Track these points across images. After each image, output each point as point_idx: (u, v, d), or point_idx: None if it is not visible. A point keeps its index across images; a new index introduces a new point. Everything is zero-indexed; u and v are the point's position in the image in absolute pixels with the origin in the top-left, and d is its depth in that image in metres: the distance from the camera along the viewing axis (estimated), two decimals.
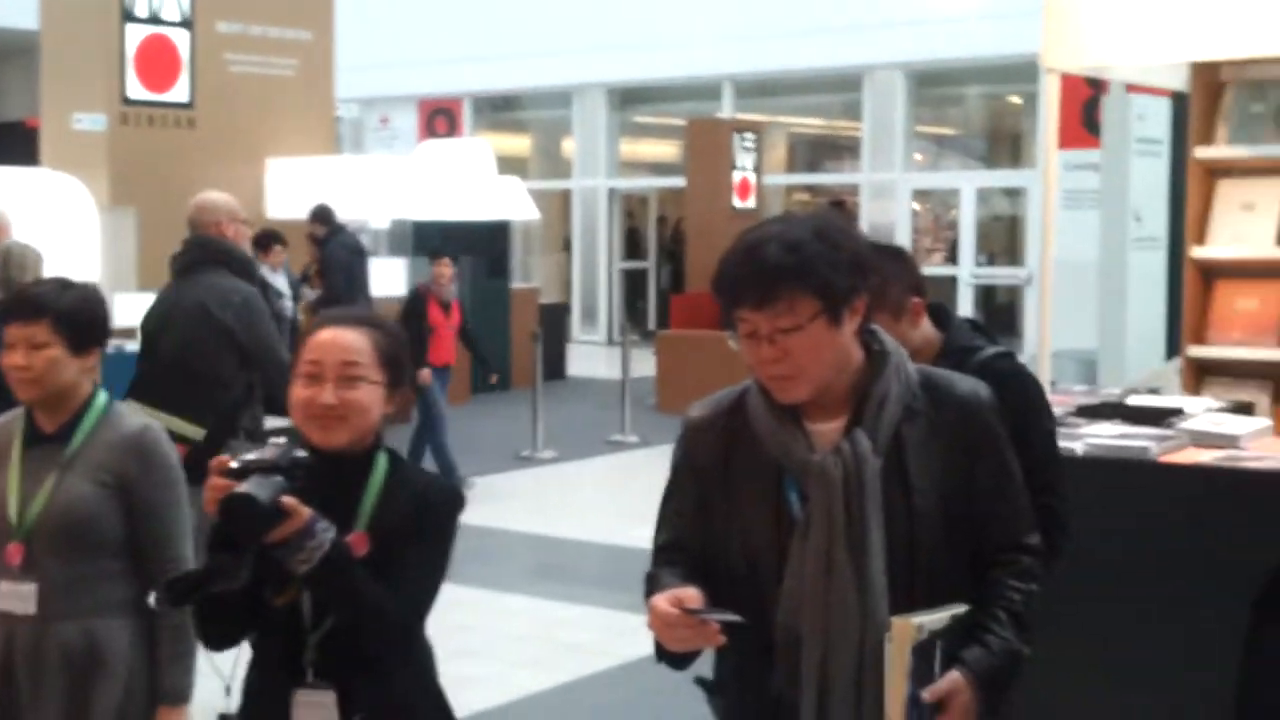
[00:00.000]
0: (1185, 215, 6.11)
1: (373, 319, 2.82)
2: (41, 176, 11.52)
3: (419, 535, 2.71)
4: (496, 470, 10.31)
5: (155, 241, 9.64)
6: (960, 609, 2.43)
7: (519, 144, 23.99)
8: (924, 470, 2.47)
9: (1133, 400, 5.39)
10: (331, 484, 2.62)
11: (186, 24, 12.74)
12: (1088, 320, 9.53)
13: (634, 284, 22.76)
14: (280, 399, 5.12)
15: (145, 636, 3.27)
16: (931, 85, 19.71)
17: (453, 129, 22.69)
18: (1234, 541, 4.39)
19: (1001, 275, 18.68)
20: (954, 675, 2.41)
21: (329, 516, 2.56)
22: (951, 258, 18.85)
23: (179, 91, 12.73)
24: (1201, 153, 5.93)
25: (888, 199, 19.24)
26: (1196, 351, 6.02)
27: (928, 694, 2.37)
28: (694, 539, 2.58)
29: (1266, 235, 5.82)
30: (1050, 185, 6.14)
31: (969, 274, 18.36)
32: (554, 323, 16.49)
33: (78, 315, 3.28)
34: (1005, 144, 20.60)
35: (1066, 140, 13.15)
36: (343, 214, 12.30)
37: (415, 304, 10.12)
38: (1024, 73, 15.27)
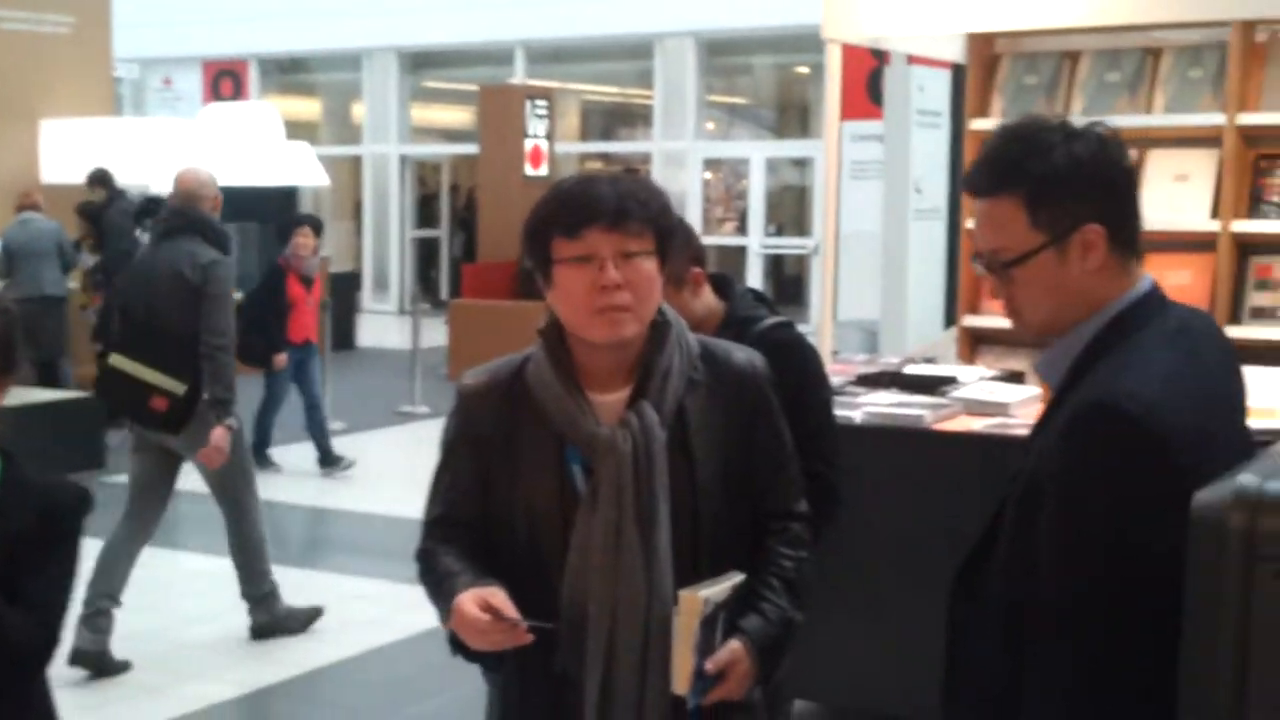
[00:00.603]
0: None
1: None
2: None
3: (46, 543, 2.53)
4: (282, 442, 10.10)
5: None
6: (739, 578, 2.43)
7: (308, 108, 23.52)
8: (706, 442, 2.47)
9: (910, 369, 5.50)
10: None
11: None
12: (874, 290, 9.70)
13: (426, 252, 22.52)
14: (207, 353, 5.69)
15: None
16: (722, 54, 19.87)
17: (239, 92, 22.14)
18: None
19: (790, 245, 18.94)
20: (734, 645, 2.42)
21: None
22: (742, 228, 19.05)
23: None
24: (978, 124, 6.05)
25: (679, 168, 19.35)
26: (971, 321, 6.16)
27: (710, 665, 2.37)
28: (470, 512, 2.52)
29: None
30: (831, 156, 6.22)
31: (759, 244, 18.59)
32: (344, 292, 16.22)
33: None
34: (794, 114, 20.89)
35: (852, 111, 13.36)
36: (122, 179, 11.87)
37: (272, 278, 9.68)
38: (811, 43, 15.45)
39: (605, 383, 2.46)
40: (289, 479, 9.46)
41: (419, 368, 12.30)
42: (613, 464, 2.40)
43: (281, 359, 9.35)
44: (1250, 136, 5.53)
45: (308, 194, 19.62)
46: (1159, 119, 5.70)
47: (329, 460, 9.60)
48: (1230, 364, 2.15)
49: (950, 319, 6.74)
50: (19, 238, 11.13)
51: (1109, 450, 1.78)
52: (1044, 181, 2.09)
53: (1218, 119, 5.49)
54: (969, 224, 6.10)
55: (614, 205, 2.36)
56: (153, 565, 6.40)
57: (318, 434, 9.57)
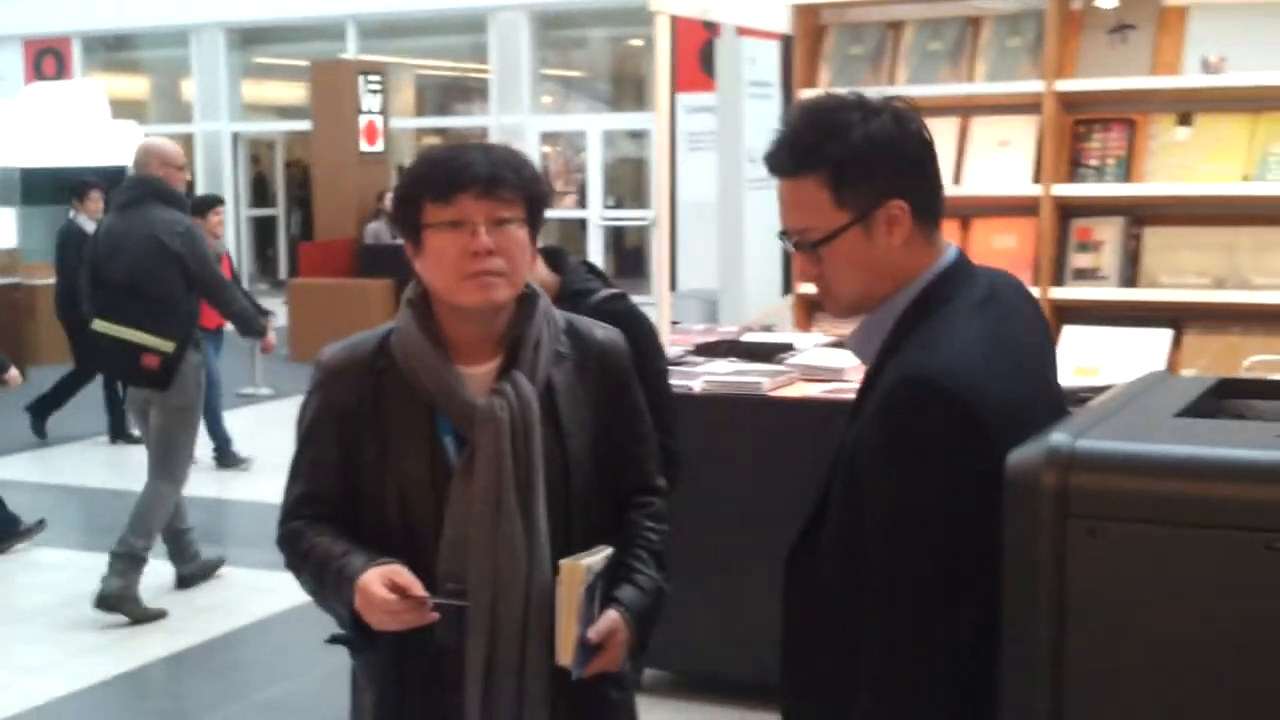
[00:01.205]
0: None
1: None
2: None
3: None
4: (121, 430, 9.89)
5: None
6: (609, 550, 2.45)
7: (135, 86, 22.90)
8: (574, 415, 2.48)
9: (747, 338, 5.57)
10: None
11: None
12: (713, 261, 9.77)
13: (263, 231, 22.12)
14: (230, 311, 6.56)
15: None
16: (556, 27, 19.79)
17: (62, 70, 21.48)
18: None
19: (630, 217, 18.99)
20: (612, 614, 2.44)
21: None
22: (581, 201, 19.04)
23: None
24: (807, 95, 6.13)
25: (517, 141, 19.24)
26: (806, 289, 6.25)
27: (593, 634, 2.40)
28: (335, 490, 2.49)
29: None
30: (661, 128, 6.27)
31: (599, 216, 18.60)
32: None
33: None
34: (630, 87, 20.89)
35: (686, 83, 13.44)
36: None
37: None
38: (644, 15, 15.49)
39: (472, 355, 2.46)
40: (126, 466, 9.25)
41: (259, 349, 12.12)
42: (491, 432, 2.39)
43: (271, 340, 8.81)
44: (1068, 102, 5.69)
45: None
46: (981, 87, 5.83)
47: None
48: (1040, 326, 2.20)
49: (788, 287, 6.82)
50: None
51: (923, 423, 1.82)
52: (845, 161, 2.08)
53: (1037, 86, 5.64)
54: None
55: (487, 172, 2.37)
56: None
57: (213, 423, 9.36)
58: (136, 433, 9.35)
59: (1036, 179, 5.70)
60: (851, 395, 4.62)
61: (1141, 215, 5.66)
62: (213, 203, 9.68)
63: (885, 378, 2.01)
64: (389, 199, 14.20)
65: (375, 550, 2.41)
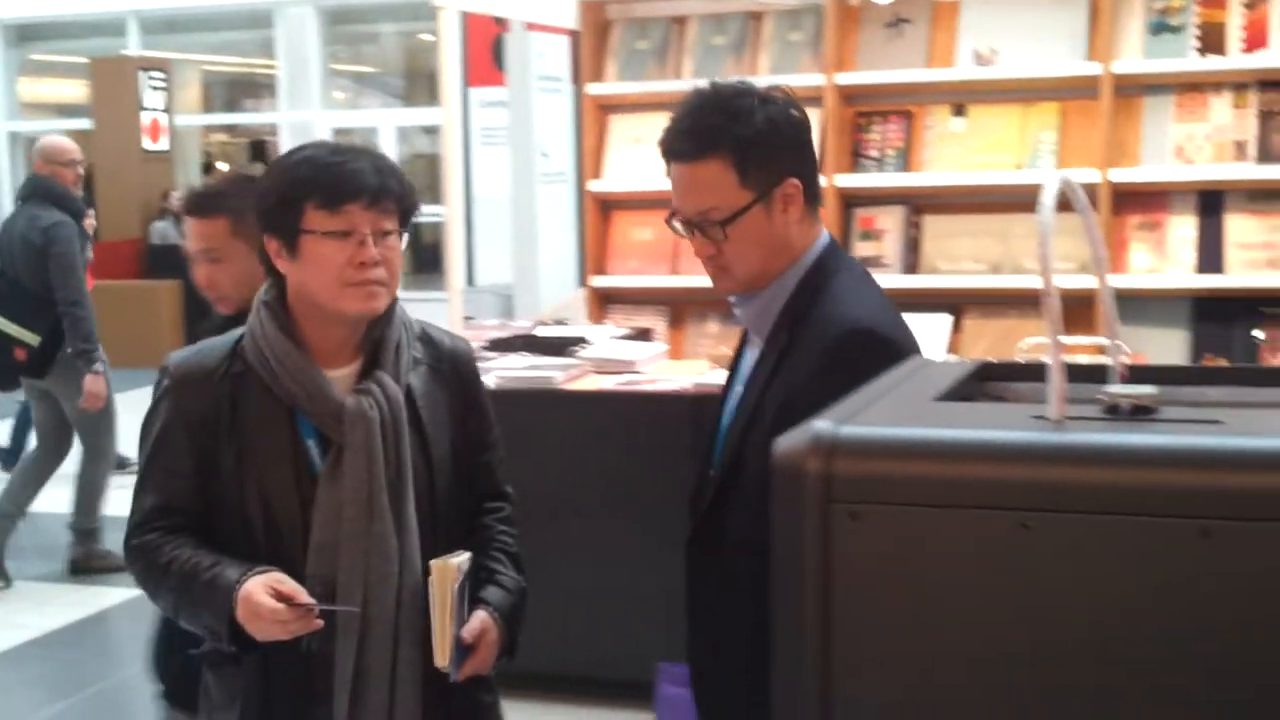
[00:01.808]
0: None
1: None
2: None
3: None
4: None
5: None
6: (468, 554, 2.44)
7: None
8: (434, 418, 2.47)
9: (540, 332, 5.57)
10: None
11: None
12: (509, 256, 9.75)
13: None
14: (66, 312, 6.41)
15: None
16: (345, 22, 19.53)
17: None
18: (634, 459, 4.63)
19: (426, 213, 18.80)
20: (481, 615, 2.44)
21: None
22: None
23: None
24: (594, 89, 6.17)
25: (308, 138, 18.92)
26: (599, 281, 6.29)
27: (466, 634, 2.39)
28: (189, 500, 2.42)
29: (656, 168, 6.12)
30: (451, 123, 6.23)
31: None
32: None
33: None
34: (423, 82, 20.71)
35: (479, 78, 13.38)
36: None
37: None
38: (434, 10, 15.38)
39: (332, 359, 2.43)
40: None
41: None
42: (362, 431, 2.37)
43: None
44: (848, 95, 5.82)
45: None
46: (764, 80, 5.90)
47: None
48: None
49: (582, 280, 6.85)
50: None
51: (872, 367, 1.86)
52: (750, 143, 2.22)
53: (818, 79, 5.75)
54: (591, 186, 6.22)
55: (375, 183, 2.34)
56: None
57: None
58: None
59: (820, 170, 5.79)
60: (645, 386, 4.69)
61: (921, 204, 5.81)
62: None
63: (810, 339, 2.07)
64: (175, 198, 13.97)
65: (240, 559, 2.35)
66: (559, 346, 5.24)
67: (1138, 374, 1.65)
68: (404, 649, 2.39)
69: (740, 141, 2.22)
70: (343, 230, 2.33)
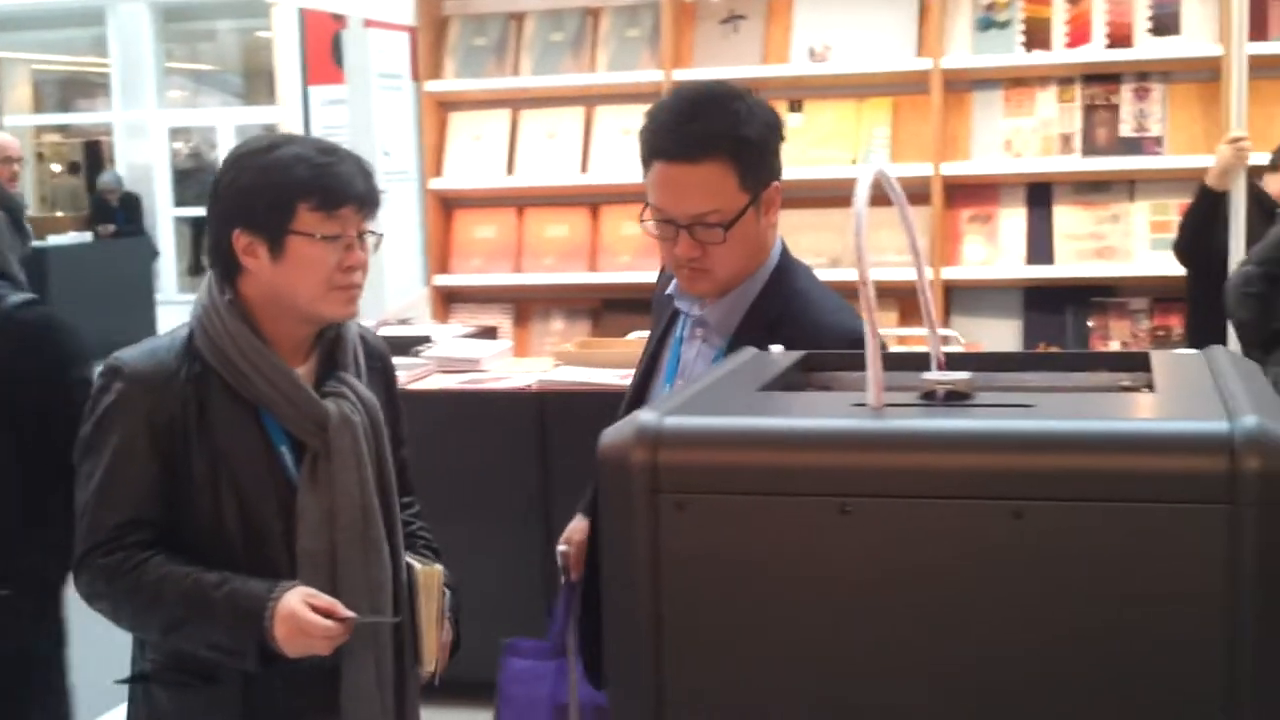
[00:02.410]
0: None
1: None
2: None
3: None
4: None
5: None
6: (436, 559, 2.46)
7: None
8: (384, 417, 2.43)
9: (384, 332, 5.52)
10: None
11: None
12: None
13: None
14: None
15: None
16: (180, 19, 19.18)
17: None
18: (480, 458, 4.62)
19: None
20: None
21: None
22: None
23: None
24: (432, 86, 6.14)
25: (144, 138, 18.56)
26: (442, 280, 6.26)
27: (445, 637, 2.41)
28: (160, 512, 2.27)
29: (497, 165, 6.12)
30: (289, 122, 6.15)
31: None
32: None
33: None
34: (262, 80, 20.39)
35: (319, 75, 13.20)
36: None
37: None
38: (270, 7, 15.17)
39: (288, 358, 2.34)
40: None
41: None
42: (349, 437, 2.31)
43: None
44: None
45: None
46: (603, 77, 5.95)
47: None
48: None
49: (427, 280, 6.82)
50: None
51: None
52: (749, 146, 2.23)
53: (656, 75, 5.79)
54: (432, 184, 6.19)
55: (364, 187, 2.29)
56: None
57: None
58: None
59: None
60: (489, 384, 4.67)
61: None
62: None
63: (805, 345, 2.08)
64: None
65: (219, 570, 2.24)
66: (402, 346, 5.20)
67: (957, 361, 1.69)
68: (407, 656, 2.38)
69: (741, 144, 2.23)
70: (335, 234, 2.26)
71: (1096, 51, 5.47)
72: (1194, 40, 5.40)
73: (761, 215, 2.31)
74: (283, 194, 2.25)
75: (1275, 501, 1.26)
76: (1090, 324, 5.55)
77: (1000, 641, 1.33)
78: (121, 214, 15.72)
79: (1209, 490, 1.27)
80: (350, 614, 2.22)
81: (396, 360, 4.86)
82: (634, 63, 5.91)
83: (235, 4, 18.25)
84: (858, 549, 1.36)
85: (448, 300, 6.32)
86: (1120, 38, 5.47)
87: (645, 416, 1.42)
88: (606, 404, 2.50)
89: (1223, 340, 4.45)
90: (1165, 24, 5.44)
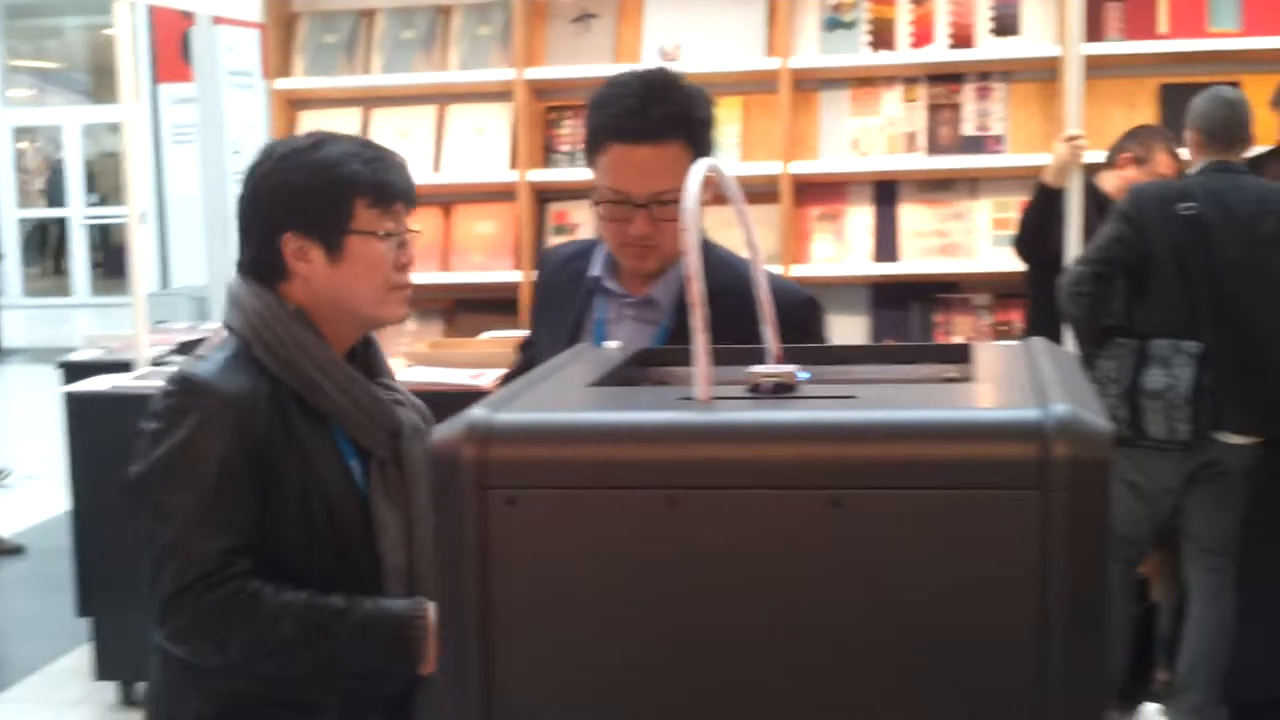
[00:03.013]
0: None
1: None
2: None
3: None
4: None
5: None
6: None
7: None
8: (431, 424, 2.37)
9: None
10: None
11: None
12: (204, 257, 9.52)
13: None
14: None
15: None
16: (24, 16, 18.72)
17: None
18: None
19: (115, 215, 18.21)
20: None
21: None
22: (61, 199, 18.10)
23: None
24: (281, 84, 6.06)
25: None
26: None
27: None
28: (256, 537, 2.14)
29: None
30: (136, 121, 6.03)
31: (81, 215, 17.74)
32: None
33: None
34: (110, 78, 19.99)
35: (169, 73, 12.98)
36: None
37: None
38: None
39: None
40: None
41: None
42: (419, 445, 2.25)
43: None
44: (539, 90, 5.87)
45: None
46: (454, 75, 5.93)
47: None
48: None
49: None
50: None
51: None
52: (702, 127, 2.41)
53: (508, 74, 5.78)
54: None
55: (409, 184, 2.25)
56: None
57: None
58: None
59: (513, 165, 5.84)
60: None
61: None
62: None
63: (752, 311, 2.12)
64: None
65: (312, 591, 2.15)
66: None
67: (792, 355, 1.72)
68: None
69: (695, 125, 2.39)
70: (390, 231, 2.21)
71: (939, 52, 5.58)
72: (1033, 41, 5.54)
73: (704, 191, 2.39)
74: (340, 191, 2.17)
75: (1084, 487, 1.30)
76: (935, 319, 5.66)
77: (823, 629, 1.36)
78: None
79: (1021, 476, 1.30)
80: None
81: None
82: (486, 61, 5.90)
83: (82, 0, 17.86)
84: (686, 540, 1.38)
85: None
86: (962, 38, 5.59)
87: (476, 413, 1.43)
88: (458, 404, 2.50)
89: (1060, 334, 4.57)
90: (1006, 25, 5.57)
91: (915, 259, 5.60)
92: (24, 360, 13.15)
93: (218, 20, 8.17)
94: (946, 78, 5.66)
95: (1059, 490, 1.28)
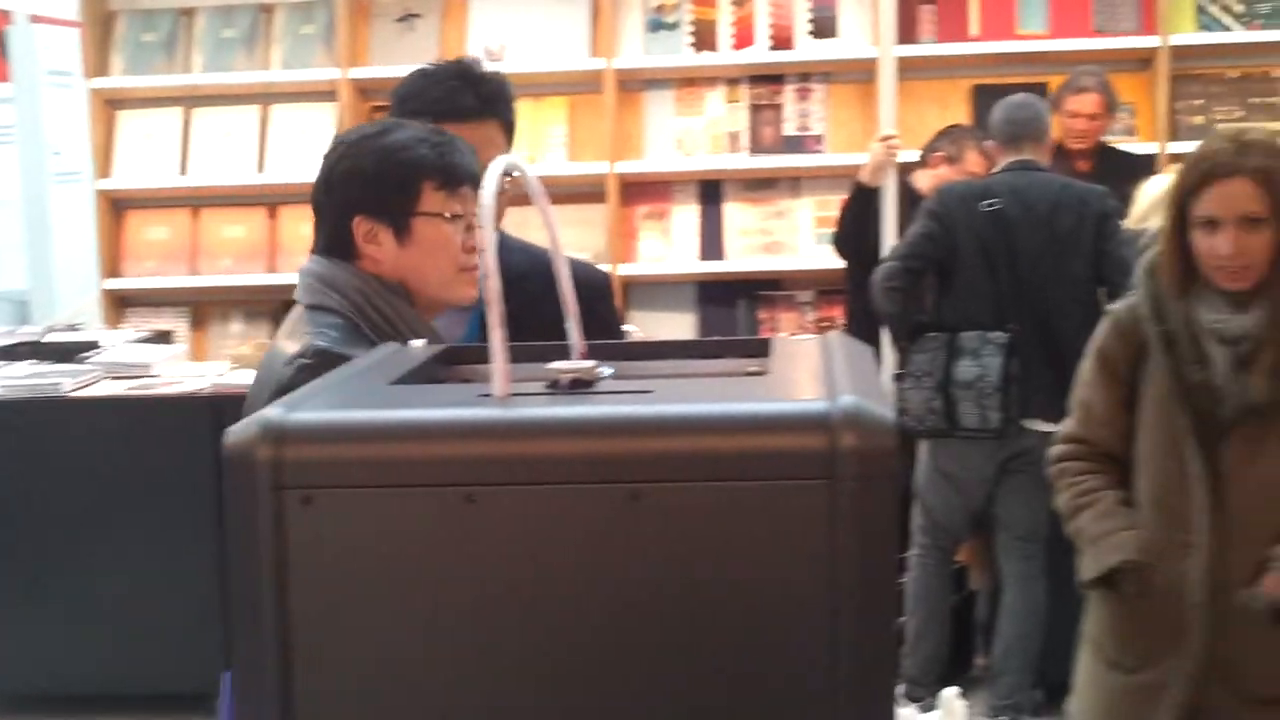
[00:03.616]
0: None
1: None
2: None
3: None
4: None
5: None
6: None
7: None
8: None
9: (51, 338, 5.34)
10: None
11: None
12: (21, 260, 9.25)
13: None
14: None
15: None
16: None
17: None
18: (153, 464, 4.51)
19: None
20: None
21: None
22: None
23: None
24: (98, 83, 5.94)
25: None
26: (114, 284, 6.07)
27: None
28: None
29: (170, 165, 5.97)
30: None
31: None
32: None
33: None
34: None
35: None
36: None
37: None
38: None
39: None
40: None
41: None
42: None
43: None
44: (364, 89, 5.83)
45: None
46: (277, 74, 5.86)
47: None
48: None
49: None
50: None
51: None
52: (512, 110, 2.54)
53: (333, 73, 5.73)
54: (101, 185, 6.00)
55: (476, 167, 2.22)
56: None
57: None
58: None
59: None
60: (160, 389, 4.55)
61: None
62: None
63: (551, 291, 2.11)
64: None
65: None
66: (69, 352, 5.03)
67: (596, 351, 1.74)
68: None
69: (510, 105, 2.52)
70: (458, 213, 2.22)
71: (760, 53, 5.66)
72: (850, 43, 5.65)
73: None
74: (408, 174, 2.19)
75: (870, 476, 1.33)
76: (761, 316, 5.74)
77: (623, 620, 1.38)
78: None
79: (810, 467, 1.33)
80: None
81: (60, 368, 4.74)
82: (309, 60, 5.84)
83: None
84: (485, 538, 1.38)
85: (121, 305, 6.12)
86: (782, 40, 5.68)
87: (270, 412, 1.42)
88: None
89: (878, 329, 4.67)
90: (824, 27, 5.67)
91: (740, 257, 5.68)
92: None
93: (35, 19, 7.94)
94: (768, 78, 5.74)
95: (847, 479, 1.31)
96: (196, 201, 6.01)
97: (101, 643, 4.53)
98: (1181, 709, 2.78)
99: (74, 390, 4.62)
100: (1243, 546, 2.72)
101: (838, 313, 5.60)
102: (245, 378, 4.58)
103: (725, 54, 5.68)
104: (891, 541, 1.37)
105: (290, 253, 5.84)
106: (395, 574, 1.38)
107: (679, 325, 5.72)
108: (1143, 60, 5.66)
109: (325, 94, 5.81)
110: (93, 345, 5.11)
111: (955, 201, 4.41)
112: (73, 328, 5.75)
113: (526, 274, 2.36)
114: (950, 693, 3.96)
